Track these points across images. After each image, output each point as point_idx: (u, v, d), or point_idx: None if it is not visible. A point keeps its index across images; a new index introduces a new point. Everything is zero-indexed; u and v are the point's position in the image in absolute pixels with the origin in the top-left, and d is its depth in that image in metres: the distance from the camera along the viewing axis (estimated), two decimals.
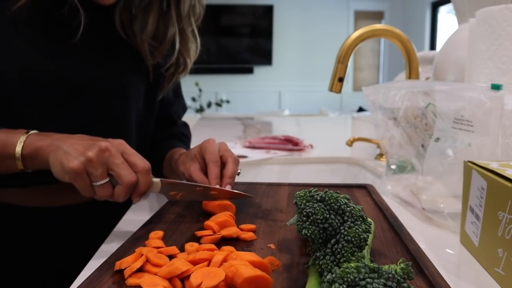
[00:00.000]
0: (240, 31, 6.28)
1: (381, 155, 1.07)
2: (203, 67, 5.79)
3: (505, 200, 0.41)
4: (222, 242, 0.50)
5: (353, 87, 6.52)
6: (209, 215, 0.57)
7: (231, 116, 2.89)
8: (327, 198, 0.41)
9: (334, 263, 0.38)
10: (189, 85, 5.60)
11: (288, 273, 0.43)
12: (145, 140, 0.81)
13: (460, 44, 0.98)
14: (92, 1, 0.65)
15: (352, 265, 0.33)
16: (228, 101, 6.24)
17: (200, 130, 1.67)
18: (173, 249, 0.45)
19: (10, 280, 0.69)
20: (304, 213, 0.40)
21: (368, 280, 0.31)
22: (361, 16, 6.50)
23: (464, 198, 0.53)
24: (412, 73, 0.98)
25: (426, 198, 0.66)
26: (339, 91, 0.97)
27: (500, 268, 0.42)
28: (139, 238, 0.51)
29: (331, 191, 0.42)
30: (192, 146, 0.77)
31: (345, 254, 0.37)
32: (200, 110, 5.87)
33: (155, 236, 0.50)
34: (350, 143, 1.16)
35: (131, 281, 0.39)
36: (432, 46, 5.47)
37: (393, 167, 0.79)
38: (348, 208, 0.40)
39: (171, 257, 0.44)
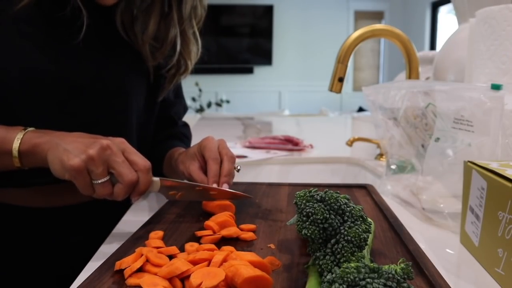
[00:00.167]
0: (240, 31, 6.28)
1: (381, 155, 1.07)
2: (203, 67, 5.78)
3: (505, 200, 0.41)
4: (222, 242, 0.50)
5: (353, 87, 6.52)
6: (209, 215, 0.57)
7: (231, 116, 2.89)
8: (327, 198, 0.41)
9: (334, 263, 0.38)
10: (189, 85, 5.58)
11: (288, 273, 0.43)
12: (146, 140, 0.81)
13: (460, 44, 0.98)
14: (94, 1, 0.65)
15: (352, 265, 0.33)
16: (228, 101, 6.24)
17: (200, 130, 1.67)
18: (173, 249, 0.45)
19: (10, 280, 0.69)
20: (304, 213, 0.40)
21: (368, 280, 0.31)
22: (361, 16, 6.50)
23: (464, 198, 0.53)
24: (412, 73, 0.98)
25: (426, 198, 0.66)
26: (339, 91, 0.97)
27: (500, 268, 0.42)
28: (139, 238, 0.51)
29: (331, 191, 0.42)
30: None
31: (345, 254, 0.37)
32: (200, 110, 5.87)
33: (155, 236, 0.50)
34: (350, 143, 1.16)
35: (131, 281, 0.39)
36: (432, 46, 5.47)
37: (393, 167, 0.79)
38: (348, 208, 0.40)
39: (171, 257, 0.44)
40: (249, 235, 0.51)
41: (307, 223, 0.40)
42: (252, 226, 0.54)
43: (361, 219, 0.40)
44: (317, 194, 0.41)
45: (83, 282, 0.40)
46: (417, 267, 0.42)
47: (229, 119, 2.44)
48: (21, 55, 0.61)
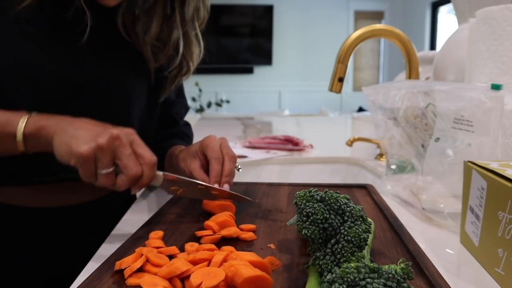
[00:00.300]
0: (240, 31, 6.28)
1: (381, 155, 1.07)
2: (203, 67, 5.75)
3: (505, 200, 0.41)
4: (222, 242, 0.50)
5: (353, 87, 6.52)
6: (209, 215, 0.57)
7: (231, 116, 2.89)
8: (327, 198, 0.41)
9: (334, 263, 0.38)
10: (189, 85, 5.57)
11: (288, 273, 0.43)
12: (147, 140, 0.81)
13: (460, 44, 0.98)
14: (96, 2, 0.65)
15: (352, 265, 0.33)
16: (228, 101, 6.24)
17: (200, 130, 1.67)
18: (173, 249, 0.45)
19: (10, 280, 0.69)
20: (304, 213, 0.40)
21: (368, 280, 0.31)
22: (361, 16, 6.50)
23: (464, 198, 0.53)
24: (412, 73, 0.98)
25: (426, 198, 0.66)
26: (339, 91, 0.97)
27: (500, 268, 0.42)
28: (139, 238, 0.51)
29: (331, 191, 0.42)
30: None
31: (345, 254, 0.37)
32: (200, 110, 5.87)
33: (155, 236, 0.50)
34: (350, 143, 1.16)
35: (131, 281, 0.39)
36: (432, 46, 5.47)
37: (393, 167, 0.79)
38: (348, 208, 0.40)
39: (171, 257, 0.44)
40: (249, 235, 0.51)
41: (307, 223, 0.40)
42: (252, 226, 0.54)
43: (361, 219, 0.40)
44: (317, 194, 0.41)
45: (83, 282, 0.40)
46: (417, 267, 0.42)
47: (229, 119, 2.44)
48: (23, 54, 0.61)
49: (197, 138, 0.81)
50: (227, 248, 0.45)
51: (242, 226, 0.54)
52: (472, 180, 0.50)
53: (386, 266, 0.34)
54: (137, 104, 0.74)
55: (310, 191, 0.42)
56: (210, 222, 0.52)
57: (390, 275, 0.32)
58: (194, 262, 0.41)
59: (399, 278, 0.32)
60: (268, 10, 6.24)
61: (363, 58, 6.62)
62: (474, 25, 0.78)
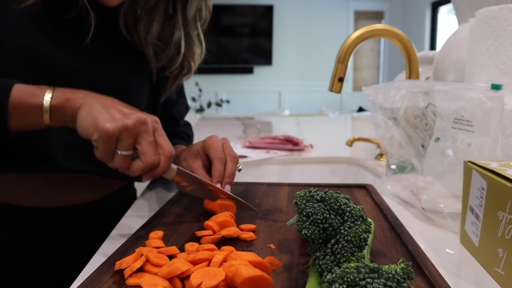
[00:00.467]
0: (240, 31, 6.28)
1: (381, 155, 1.07)
2: (203, 67, 5.75)
3: (505, 200, 0.41)
4: (222, 242, 0.50)
5: (353, 87, 6.52)
6: (209, 215, 0.57)
7: (231, 116, 2.89)
8: (327, 198, 0.41)
9: (334, 263, 0.38)
10: (189, 85, 5.57)
11: (288, 273, 0.43)
12: None
13: (460, 44, 0.98)
14: (98, 3, 0.65)
15: (352, 265, 0.33)
16: (228, 101, 6.24)
17: (200, 130, 1.67)
18: (173, 249, 0.45)
19: (10, 280, 0.69)
20: (304, 213, 0.40)
21: (368, 280, 0.31)
22: (361, 16, 6.50)
23: (464, 198, 0.53)
24: (412, 73, 0.98)
25: (426, 198, 0.66)
26: (339, 91, 0.97)
27: (500, 268, 0.42)
28: (139, 238, 0.51)
29: (331, 191, 0.42)
30: None
31: (345, 254, 0.37)
32: (200, 110, 5.87)
33: (155, 236, 0.50)
34: (350, 143, 1.16)
35: (131, 281, 0.39)
36: (432, 46, 5.47)
37: (393, 167, 0.79)
38: (348, 208, 0.40)
39: (171, 257, 0.44)
40: (249, 235, 0.51)
41: (307, 223, 0.40)
42: (252, 226, 0.54)
43: (361, 219, 0.40)
44: (317, 194, 0.41)
45: (83, 282, 0.40)
46: (417, 267, 0.42)
47: (229, 119, 2.44)
48: (30, 40, 0.60)
49: (197, 138, 0.81)
50: (227, 248, 0.45)
51: (242, 226, 0.54)
52: (472, 180, 0.50)
53: (386, 266, 0.34)
54: (138, 104, 0.74)
55: (310, 191, 0.42)
56: (210, 222, 0.52)
57: (390, 275, 0.32)
58: (194, 262, 0.41)
59: (399, 278, 0.32)
60: (268, 10, 6.24)
61: (363, 58, 6.62)
62: (474, 25, 0.78)
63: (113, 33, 0.70)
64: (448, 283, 0.39)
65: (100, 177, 0.72)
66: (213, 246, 0.46)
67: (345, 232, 0.38)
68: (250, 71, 6.43)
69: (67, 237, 0.72)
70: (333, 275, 0.33)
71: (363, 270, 0.32)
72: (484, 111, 0.58)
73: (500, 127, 0.58)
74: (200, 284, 0.36)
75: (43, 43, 0.61)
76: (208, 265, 0.41)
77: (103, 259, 0.45)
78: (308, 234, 0.39)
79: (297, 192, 0.43)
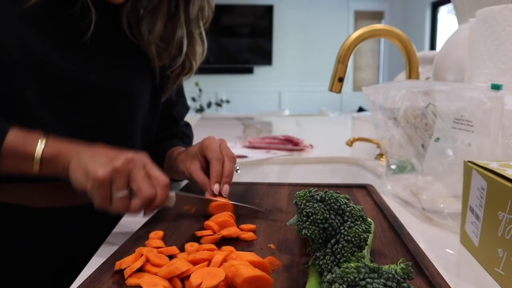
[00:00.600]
0: (240, 31, 6.28)
1: (381, 155, 1.07)
2: (203, 67, 5.74)
3: (505, 200, 0.41)
4: (222, 242, 0.50)
5: (353, 87, 6.52)
6: (209, 215, 0.57)
7: (231, 116, 2.89)
8: (327, 198, 0.41)
9: (334, 263, 0.38)
10: (189, 85, 5.56)
11: (288, 273, 0.43)
12: (149, 140, 0.81)
13: (460, 44, 0.98)
14: (102, 0, 0.65)
15: (352, 265, 0.33)
16: (228, 101, 6.24)
17: (200, 130, 1.67)
18: (173, 249, 0.45)
19: (10, 279, 0.69)
20: (304, 213, 0.40)
21: (368, 280, 0.31)
22: (361, 16, 6.50)
23: (464, 198, 0.53)
24: (412, 73, 0.98)
25: (426, 198, 0.66)
26: (339, 91, 0.97)
27: (500, 268, 0.42)
28: (139, 238, 0.51)
29: (331, 191, 0.42)
30: None
31: (345, 254, 0.37)
32: (200, 110, 5.87)
33: (155, 236, 0.50)
34: (350, 143, 1.16)
35: (131, 281, 0.39)
36: (432, 46, 5.46)
37: (393, 167, 0.79)
38: (348, 208, 0.40)
39: (171, 257, 0.44)
40: (249, 235, 0.51)
41: (307, 223, 0.40)
42: (252, 226, 0.54)
43: (361, 219, 0.40)
44: (317, 194, 0.41)
45: (83, 282, 0.40)
46: (417, 267, 0.42)
47: (229, 119, 2.44)
48: (31, 47, 0.60)
49: (197, 138, 0.81)
50: (227, 248, 0.45)
51: (242, 226, 0.54)
52: (472, 180, 0.50)
53: (386, 266, 0.34)
54: (140, 104, 0.74)
55: (310, 191, 0.42)
56: (210, 222, 0.52)
57: (390, 275, 0.32)
58: (194, 262, 0.41)
59: (399, 278, 0.32)
60: (268, 10, 6.24)
61: (363, 58, 6.62)
62: (474, 25, 0.78)
63: (115, 34, 0.70)
64: (448, 283, 0.39)
65: None
66: (213, 246, 0.46)
67: (345, 232, 0.38)
68: (250, 71, 6.43)
69: (67, 237, 0.72)
70: (333, 275, 0.33)
71: (363, 270, 0.32)
72: (484, 111, 0.58)
73: (500, 127, 0.58)
74: (200, 284, 0.36)
75: (45, 49, 0.61)
76: (208, 265, 0.41)
77: (103, 259, 0.45)
78: (308, 234, 0.39)
79: (297, 192, 0.43)
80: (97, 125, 0.68)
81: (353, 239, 0.38)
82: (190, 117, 1.01)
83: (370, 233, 0.40)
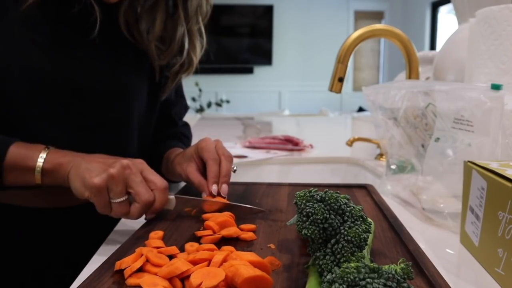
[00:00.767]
0: (240, 31, 6.28)
1: (381, 155, 1.07)
2: (203, 67, 5.74)
3: (505, 200, 0.41)
4: (222, 242, 0.50)
5: (353, 87, 6.52)
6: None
7: (231, 116, 2.89)
8: (327, 198, 0.41)
9: (334, 263, 0.38)
10: (189, 85, 5.57)
11: (288, 273, 0.43)
12: (146, 140, 0.81)
13: (460, 44, 0.98)
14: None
15: (352, 265, 0.33)
16: (228, 101, 6.24)
17: (200, 130, 1.67)
18: (173, 249, 0.45)
19: (10, 280, 0.69)
20: (304, 213, 0.40)
21: (368, 280, 0.31)
22: (361, 16, 6.50)
23: (464, 198, 0.53)
24: (412, 73, 0.98)
25: (426, 198, 0.66)
26: (339, 91, 0.97)
27: (500, 268, 0.42)
28: (139, 238, 0.51)
29: (331, 191, 0.42)
30: None
31: (345, 254, 0.37)
32: (200, 110, 5.87)
33: (155, 236, 0.50)
34: (350, 143, 1.16)
35: (131, 281, 0.39)
36: (432, 46, 5.46)
37: (393, 167, 0.79)
38: (348, 208, 0.40)
39: (171, 257, 0.44)
40: (249, 235, 0.51)
41: (307, 223, 0.40)
42: (252, 226, 0.54)
43: (361, 219, 0.40)
44: (317, 194, 0.41)
45: (83, 282, 0.40)
46: (417, 267, 0.42)
47: (229, 119, 2.44)
48: (26, 58, 0.61)
49: (197, 138, 0.81)
50: (227, 248, 0.45)
51: (242, 226, 0.54)
52: (472, 180, 0.50)
53: (386, 266, 0.34)
54: (137, 104, 0.74)
55: (310, 191, 0.42)
56: (210, 222, 0.52)
57: (390, 275, 0.32)
58: (194, 262, 0.41)
59: (399, 278, 0.32)
60: (268, 10, 6.24)
61: (363, 58, 6.62)
62: (474, 25, 0.78)
63: (112, 33, 0.70)
64: (448, 283, 0.39)
65: None
66: (213, 246, 0.46)
67: (345, 232, 0.38)
68: (250, 71, 6.43)
69: (67, 237, 0.72)
70: (333, 275, 0.33)
71: (363, 270, 0.32)
72: (484, 111, 0.58)
73: (500, 127, 0.58)
74: (200, 284, 0.36)
75: (38, 54, 0.62)
76: (208, 265, 0.41)
77: (103, 259, 0.45)
78: (308, 234, 0.39)
79: (297, 192, 0.43)
80: (93, 127, 0.68)
81: (353, 239, 0.38)
82: (190, 117, 1.01)
83: (370, 233, 0.40)
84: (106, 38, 0.69)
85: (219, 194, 0.62)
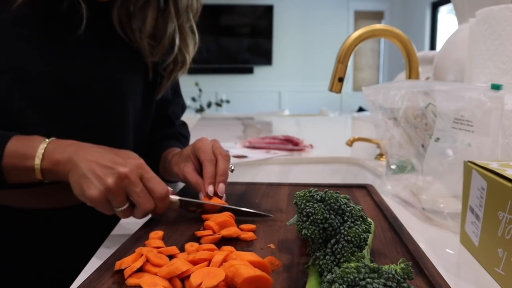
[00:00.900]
0: (240, 31, 6.28)
1: (381, 155, 1.07)
2: (203, 67, 5.79)
3: (505, 200, 0.41)
4: (222, 242, 0.50)
5: (353, 87, 6.52)
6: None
7: (231, 116, 2.89)
8: (327, 198, 0.41)
9: (334, 263, 0.38)
10: (189, 85, 5.60)
11: (288, 273, 0.43)
12: (142, 139, 0.81)
13: (460, 44, 0.98)
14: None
15: (352, 265, 0.33)
16: (228, 101, 6.24)
17: (200, 130, 1.67)
18: (173, 249, 0.45)
19: (10, 280, 0.69)
20: (304, 213, 0.40)
21: (368, 280, 0.31)
22: (361, 16, 6.50)
23: (464, 198, 0.53)
24: (412, 73, 0.98)
25: (426, 198, 0.66)
26: (339, 91, 0.97)
27: (500, 268, 0.42)
28: (139, 238, 0.51)
29: (331, 191, 0.42)
30: None
31: (345, 254, 0.37)
32: (200, 110, 5.87)
33: (155, 236, 0.50)
34: (350, 143, 1.16)
35: (131, 281, 0.39)
36: (432, 46, 5.47)
37: (393, 167, 0.79)
38: (348, 208, 0.40)
39: (171, 257, 0.44)
40: (249, 235, 0.51)
41: (307, 223, 0.40)
42: (252, 226, 0.54)
43: (361, 219, 0.40)
44: (317, 194, 0.41)
45: (83, 282, 0.40)
46: (417, 267, 0.42)
47: (229, 119, 2.44)
48: (17, 59, 0.61)
49: (197, 138, 0.81)
50: (227, 248, 0.45)
51: (242, 226, 0.54)
52: (472, 180, 0.50)
53: (386, 266, 0.34)
54: (132, 103, 0.74)
55: (310, 191, 0.42)
56: (210, 222, 0.52)
57: (390, 275, 0.32)
58: (194, 262, 0.41)
59: (399, 278, 0.32)
60: (268, 10, 6.24)
61: (363, 58, 6.62)
62: (474, 25, 0.78)
63: (105, 31, 0.70)
64: (448, 283, 0.39)
65: None
66: (213, 246, 0.46)
67: (345, 232, 0.38)
68: (250, 71, 6.43)
69: (66, 237, 0.72)
70: (333, 275, 0.33)
71: (363, 270, 0.32)
72: (484, 111, 0.58)
73: (500, 127, 0.58)
74: (200, 284, 0.36)
75: (29, 52, 0.62)
76: (208, 265, 0.41)
77: (102, 259, 0.45)
78: (308, 234, 0.39)
79: (297, 192, 0.43)
80: (87, 126, 0.68)
81: (353, 239, 0.38)
82: (190, 117, 1.01)
83: (370, 233, 0.40)
84: (99, 36, 0.69)
85: (216, 194, 0.62)
